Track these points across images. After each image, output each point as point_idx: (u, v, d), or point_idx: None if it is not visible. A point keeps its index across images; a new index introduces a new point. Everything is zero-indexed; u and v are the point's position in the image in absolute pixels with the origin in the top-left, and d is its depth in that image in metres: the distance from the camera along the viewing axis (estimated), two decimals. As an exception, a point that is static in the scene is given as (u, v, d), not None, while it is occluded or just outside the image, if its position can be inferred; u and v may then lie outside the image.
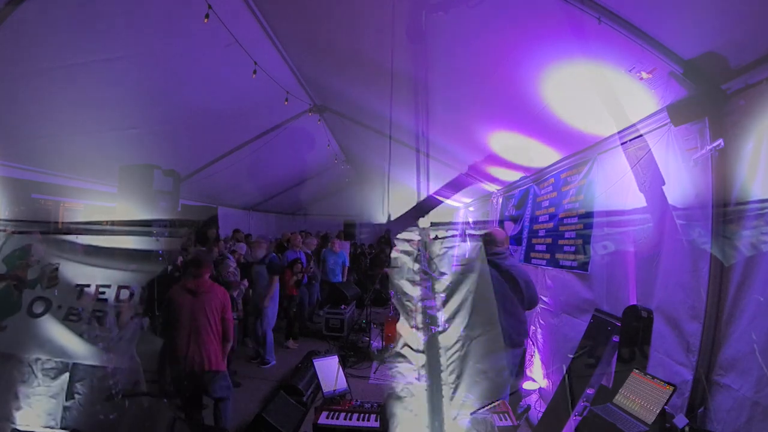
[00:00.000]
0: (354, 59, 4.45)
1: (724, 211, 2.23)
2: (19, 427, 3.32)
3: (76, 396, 3.43)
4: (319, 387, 3.77)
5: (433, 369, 3.50)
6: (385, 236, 14.13)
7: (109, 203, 5.45)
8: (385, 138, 5.75)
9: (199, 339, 3.47)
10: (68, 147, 4.37)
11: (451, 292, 3.58)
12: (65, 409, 3.42)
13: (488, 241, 3.78)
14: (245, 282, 5.71)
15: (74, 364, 3.48)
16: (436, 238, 3.70)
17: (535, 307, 4.02)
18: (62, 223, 5.20)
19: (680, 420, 2.19)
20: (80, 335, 3.50)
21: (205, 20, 3.25)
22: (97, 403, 3.40)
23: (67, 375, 3.45)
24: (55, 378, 3.45)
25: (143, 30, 3.42)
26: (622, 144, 3.16)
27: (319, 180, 11.17)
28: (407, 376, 2.92)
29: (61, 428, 3.39)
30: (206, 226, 7.69)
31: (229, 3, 3.47)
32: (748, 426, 2.00)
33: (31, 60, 3.22)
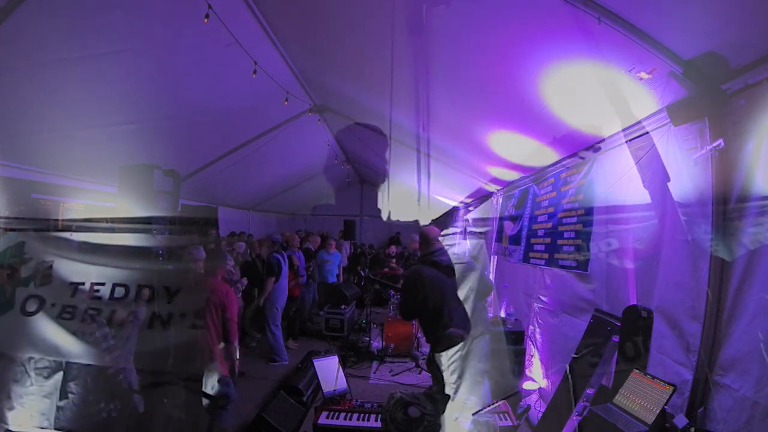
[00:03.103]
0: (354, 59, 4.45)
1: (724, 210, 2.23)
2: (11, 428, 3.30)
3: (70, 395, 3.40)
4: (319, 387, 3.77)
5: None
6: (395, 237, 14.09)
7: (109, 203, 5.45)
8: (386, 138, 5.76)
9: (201, 339, 3.38)
10: (67, 145, 4.36)
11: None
12: (59, 408, 3.38)
13: (422, 242, 3.71)
14: (244, 280, 5.71)
15: (68, 362, 3.43)
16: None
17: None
18: (62, 221, 5.20)
19: (680, 420, 2.19)
20: (74, 333, 3.45)
21: (205, 20, 3.25)
22: (92, 403, 3.38)
23: (60, 374, 3.41)
24: (48, 377, 3.41)
25: (143, 30, 3.41)
26: (621, 144, 3.16)
27: (319, 180, 11.17)
28: None
29: (55, 428, 3.35)
30: (206, 225, 7.70)
31: (229, 3, 3.46)
32: (748, 426, 2.00)
33: (30, 55, 3.21)
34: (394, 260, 9.55)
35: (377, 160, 8.93)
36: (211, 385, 3.37)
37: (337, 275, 8.55)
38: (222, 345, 3.47)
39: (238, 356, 3.61)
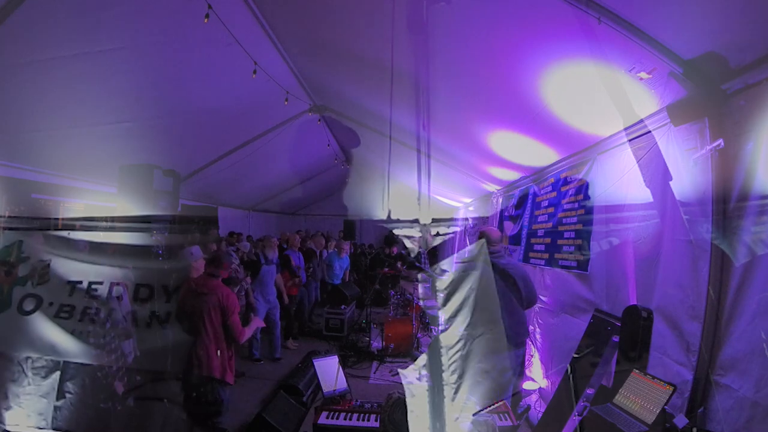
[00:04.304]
0: (354, 58, 4.45)
1: (724, 209, 2.23)
2: (9, 428, 3.29)
3: (67, 395, 3.39)
4: (319, 387, 3.77)
5: (434, 369, 3.50)
6: (389, 236, 14.08)
7: (109, 203, 5.45)
8: (385, 138, 5.75)
9: (197, 342, 3.28)
10: (67, 145, 4.36)
11: (452, 290, 3.60)
12: (56, 408, 3.37)
13: (487, 242, 3.74)
14: (248, 279, 5.72)
15: (65, 362, 3.42)
16: (438, 235, 3.73)
17: (533, 305, 4.04)
18: (62, 221, 5.20)
19: (680, 420, 2.19)
20: (72, 333, 3.43)
21: (205, 20, 3.25)
22: (89, 403, 3.36)
23: (58, 374, 3.40)
24: (45, 377, 3.41)
25: (143, 29, 3.41)
26: (621, 144, 3.16)
27: (319, 180, 11.17)
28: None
29: (53, 428, 3.34)
30: (206, 225, 7.69)
31: (229, 3, 3.46)
32: (748, 426, 2.00)
33: (30, 54, 3.20)
34: (399, 262, 9.54)
35: (377, 160, 8.93)
36: (204, 390, 3.24)
37: (342, 277, 8.57)
38: (218, 350, 3.30)
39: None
